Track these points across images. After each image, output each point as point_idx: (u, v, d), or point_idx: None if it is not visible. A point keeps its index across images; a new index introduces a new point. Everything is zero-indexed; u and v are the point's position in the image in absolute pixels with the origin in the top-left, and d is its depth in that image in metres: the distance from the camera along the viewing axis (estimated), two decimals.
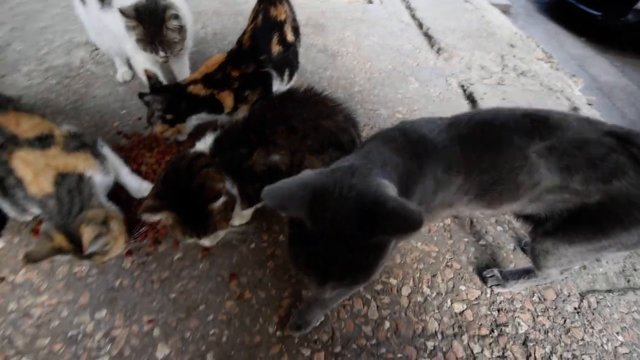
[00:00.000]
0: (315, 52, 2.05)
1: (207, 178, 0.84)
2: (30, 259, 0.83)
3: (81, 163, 0.98)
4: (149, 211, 0.81)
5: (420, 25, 2.47)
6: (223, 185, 0.86)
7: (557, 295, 1.07)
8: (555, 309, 1.04)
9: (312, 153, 0.93)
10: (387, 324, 0.97)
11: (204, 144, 0.95)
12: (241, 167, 0.94)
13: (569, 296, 1.07)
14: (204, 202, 0.82)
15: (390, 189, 0.55)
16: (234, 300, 0.99)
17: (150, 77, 1.18)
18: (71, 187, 0.92)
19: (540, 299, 1.06)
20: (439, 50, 2.22)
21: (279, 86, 1.37)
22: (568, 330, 0.99)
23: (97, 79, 1.69)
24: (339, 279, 0.54)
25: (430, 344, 0.95)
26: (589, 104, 1.92)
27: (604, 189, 0.64)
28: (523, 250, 1.17)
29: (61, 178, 0.92)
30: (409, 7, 2.72)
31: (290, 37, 1.39)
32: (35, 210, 0.98)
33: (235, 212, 1.15)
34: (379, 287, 1.04)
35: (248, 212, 1.17)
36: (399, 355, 0.92)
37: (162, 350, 0.89)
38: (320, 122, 0.93)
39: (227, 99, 1.22)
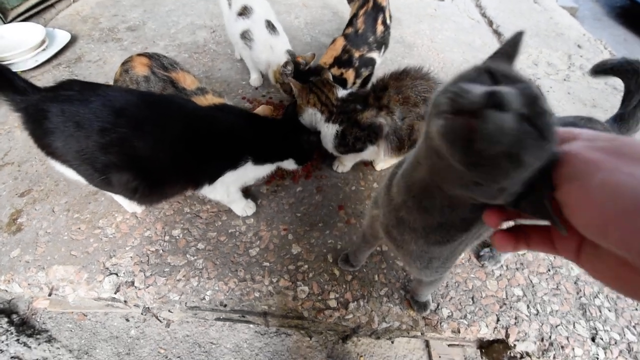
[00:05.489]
0: (393, 43, 2.31)
1: None
2: None
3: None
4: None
5: (490, 23, 2.65)
6: None
7: None
8: None
9: (420, 119, 1.21)
10: (463, 254, 1.25)
11: (343, 93, 1.28)
12: (352, 117, 1.25)
13: None
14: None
15: None
16: (344, 223, 1.31)
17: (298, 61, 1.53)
18: None
19: None
20: None
21: (377, 60, 1.67)
22: None
23: (219, 55, 2.09)
24: None
25: (497, 272, 1.21)
26: None
27: None
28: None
29: None
30: (479, 6, 2.89)
31: (388, 20, 1.68)
32: None
33: (339, 162, 1.48)
34: None
35: (349, 163, 1.48)
36: (472, 275, 1.19)
37: (295, 249, 1.23)
38: (426, 95, 1.21)
39: (351, 76, 1.54)
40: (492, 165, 0.32)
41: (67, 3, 2.64)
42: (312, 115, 1.32)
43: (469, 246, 0.77)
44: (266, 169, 1.19)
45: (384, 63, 2.12)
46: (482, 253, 1.23)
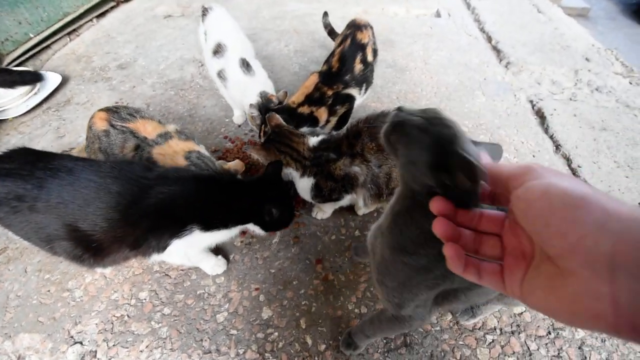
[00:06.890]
0: (384, 67, 2.23)
1: None
2: None
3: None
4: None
5: (489, 39, 2.52)
6: None
7: None
8: None
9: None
10: (449, 316, 1.13)
11: (314, 141, 1.19)
12: (326, 167, 1.17)
13: None
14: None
15: None
16: (320, 280, 1.22)
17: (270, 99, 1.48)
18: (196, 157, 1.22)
19: None
20: (507, 65, 2.26)
21: (357, 98, 1.59)
22: (625, 342, 1.06)
23: (205, 91, 2.06)
24: None
25: (489, 337, 1.08)
26: None
27: None
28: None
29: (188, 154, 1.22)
30: (477, 20, 2.76)
31: (370, 57, 1.60)
32: None
33: (319, 208, 1.39)
34: None
35: (329, 210, 1.39)
36: (460, 342, 1.08)
37: (266, 312, 1.15)
38: None
39: (322, 115, 1.47)
40: (398, 140, 0.46)
41: (63, 42, 2.70)
42: (287, 174, 1.25)
43: (430, 288, 0.66)
44: (226, 234, 1.10)
45: (374, 90, 2.04)
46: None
